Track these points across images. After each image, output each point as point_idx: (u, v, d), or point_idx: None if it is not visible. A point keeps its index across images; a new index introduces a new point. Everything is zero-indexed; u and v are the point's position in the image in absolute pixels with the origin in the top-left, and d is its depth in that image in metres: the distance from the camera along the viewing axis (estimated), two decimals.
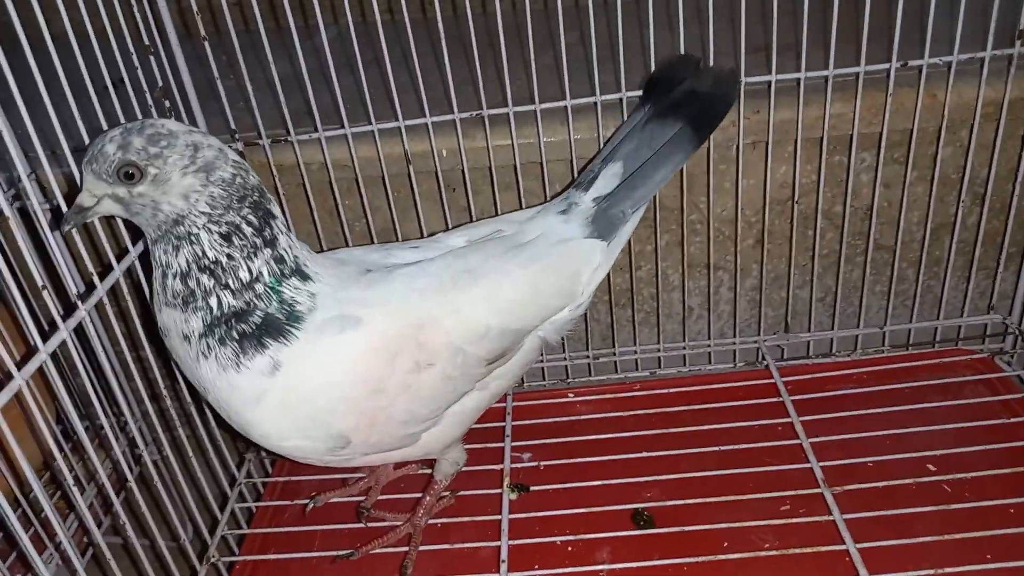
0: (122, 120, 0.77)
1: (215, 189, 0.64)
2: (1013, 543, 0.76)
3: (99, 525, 1.00)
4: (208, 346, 0.66)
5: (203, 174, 0.64)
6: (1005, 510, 0.80)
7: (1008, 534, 0.77)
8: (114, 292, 0.75)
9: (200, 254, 0.65)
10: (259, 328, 0.66)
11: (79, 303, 0.69)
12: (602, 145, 0.95)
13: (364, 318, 0.69)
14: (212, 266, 0.65)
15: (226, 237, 0.65)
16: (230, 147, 0.95)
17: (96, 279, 0.72)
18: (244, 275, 0.66)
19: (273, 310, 0.67)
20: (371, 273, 0.74)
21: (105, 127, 0.67)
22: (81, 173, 0.65)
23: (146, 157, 0.62)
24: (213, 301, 0.66)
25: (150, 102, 0.82)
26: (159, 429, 0.83)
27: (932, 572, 0.74)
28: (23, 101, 0.62)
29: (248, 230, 0.66)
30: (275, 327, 0.67)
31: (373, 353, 0.69)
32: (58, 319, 0.67)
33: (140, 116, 0.81)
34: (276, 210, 0.69)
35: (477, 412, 0.81)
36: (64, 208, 0.68)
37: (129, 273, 0.77)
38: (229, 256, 0.65)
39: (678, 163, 0.81)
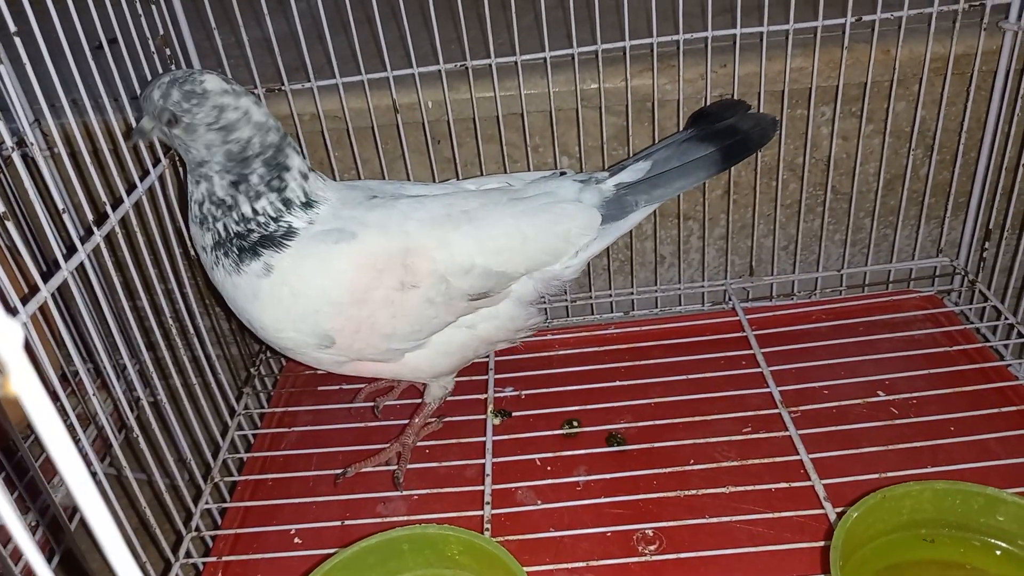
0: (129, 69, 0.82)
1: (232, 147, 0.75)
2: (950, 452, 0.84)
3: (103, 459, 1.06)
4: (217, 257, 0.78)
5: (223, 133, 0.75)
6: (945, 425, 0.88)
7: (945, 444, 0.85)
8: (111, 242, 0.80)
9: (212, 191, 0.77)
10: (256, 243, 0.77)
11: (79, 245, 0.73)
12: (579, 104, 1.01)
13: (358, 233, 0.77)
14: (219, 202, 0.77)
15: (235, 184, 0.77)
16: None
17: (94, 227, 0.77)
18: (247, 212, 0.77)
19: (271, 231, 0.77)
20: (376, 199, 0.81)
21: (101, 79, 0.76)
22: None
23: (180, 110, 0.74)
24: (219, 226, 0.77)
25: (152, 48, 0.86)
26: (155, 377, 0.88)
27: (877, 476, 0.82)
28: (27, 55, 0.66)
29: (254, 179, 0.77)
30: (271, 241, 0.77)
31: (360, 265, 0.77)
32: (60, 260, 0.70)
33: (144, 65, 0.86)
34: (293, 161, 0.79)
35: (466, 350, 0.87)
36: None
37: (124, 223, 0.81)
38: (233, 197, 0.77)
39: (699, 179, 0.89)
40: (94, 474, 0.76)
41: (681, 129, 0.94)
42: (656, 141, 0.99)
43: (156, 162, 0.89)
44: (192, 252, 0.87)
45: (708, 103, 1.02)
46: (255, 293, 0.77)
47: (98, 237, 0.75)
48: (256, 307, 0.78)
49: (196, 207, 0.79)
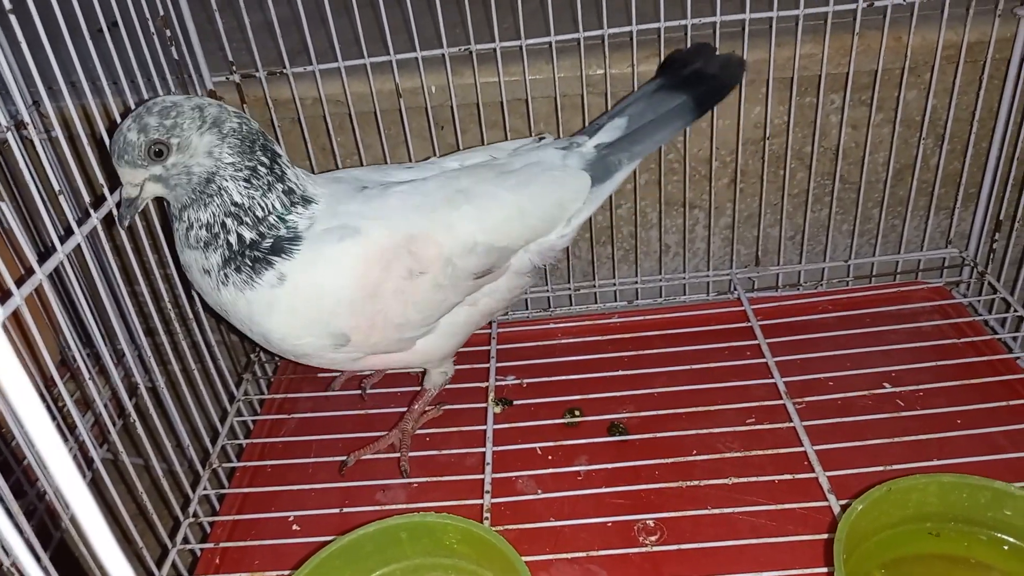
0: (130, 55, 0.81)
1: (232, 139, 0.72)
2: (957, 445, 0.83)
3: (102, 444, 1.06)
4: (226, 275, 0.74)
5: (216, 129, 0.71)
6: (951, 418, 0.86)
7: (952, 436, 0.83)
8: (108, 226, 0.79)
9: (229, 202, 0.73)
10: (268, 251, 0.74)
11: (76, 227, 0.72)
12: (585, 90, 1.00)
13: (362, 228, 0.76)
14: (236, 209, 0.73)
15: (248, 180, 0.73)
16: (227, 79, 1.00)
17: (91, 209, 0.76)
18: (260, 212, 0.74)
19: (281, 233, 0.74)
20: (368, 190, 0.80)
21: (100, 62, 0.74)
22: (114, 171, 0.71)
23: (165, 131, 0.69)
24: (233, 238, 0.73)
25: (152, 30, 0.85)
26: (153, 363, 0.87)
27: (882, 469, 0.80)
28: (25, 40, 0.65)
29: (263, 170, 0.74)
30: (280, 247, 0.74)
31: (369, 260, 0.75)
32: (56, 243, 0.69)
33: (144, 48, 0.85)
34: (279, 148, 0.76)
35: (469, 327, 0.87)
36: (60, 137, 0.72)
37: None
38: (250, 197, 0.73)
39: (677, 128, 0.89)
40: (90, 461, 0.75)
41: (649, 81, 0.93)
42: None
43: None
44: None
45: None
46: (271, 305, 0.74)
47: (95, 220, 0.74)
48: (273, 320, 0.75)
49: (202, 232, 0.73)
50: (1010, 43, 0.99)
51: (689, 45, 0.94)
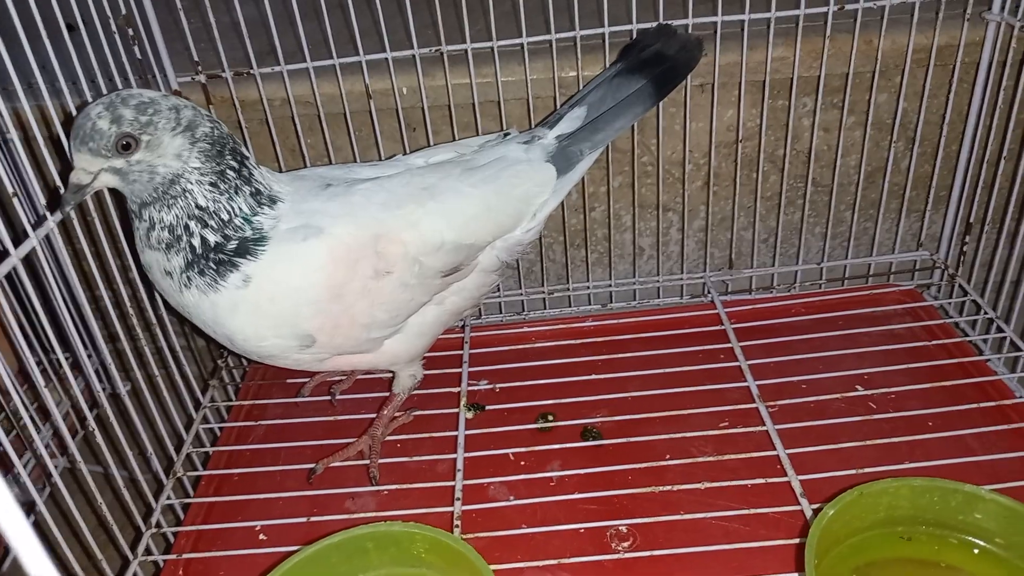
0: (90, 55, 0.79)
1: (202, 144, 0.70)
2: (928, 448, 0.83)
3: (63, 453, 1.03)
4: (189, 278, 0.72)
5: (188, 133, 0.69)
6: (923, 420, 0.86)
7: (923, 439, 0.83)
8: (67, 230, 0.77)
9: (193, 205, 0.71)
10: (233, 253, 0.72)
11: (31, 231, 0.70)
12: (557, 92, 1.00)
13: (326, 227, 0.74)
14: (200, 213, 0.71)
15: (214, 185, 0.71)
16: (192, 79, 0.98)
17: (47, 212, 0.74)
18: (225, 215, 0.72)
19: (247, 235, 0.73)
20: (332, 187, 0.78)
21: (64, 61, 0.71)
22: (71, 153, 0.68)
23: (139, 126, 0.67)
24: (196, 241, 0.71)
25: (114, 28, 0.83)
26: (114, 369, 0.85)
27: (854, 472, 0.80)
28: None
29: (231, 174, 0.72)
30: (245, 248, 0.72)
31: (334, 260, 0.74)
32: (9, 246, 0.67)
33: (105, 47, 0.83)
34: (246, 150, 0.75)
35: (437, 327, 0.86)
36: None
37: (80, 206, 0.78)
38: (215, 201, 0.71)
39: (637, 114, 0.88)
40: (49, 475, 0.73)
41: (610, 65, 0.92)
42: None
43: None
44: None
45: (688, 94, 1.01)
46: (235, 306, 0.73)
47: (51, 223, 0.72)
48: (236, 321, 0.73)
49: (164, 233, 0.71)
50: (979, 47, 1.00)
51: (655, 24, 0.93)
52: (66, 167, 0.70)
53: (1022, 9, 0.94)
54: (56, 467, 0.74)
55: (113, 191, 0.72)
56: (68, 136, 0.69)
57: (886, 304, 1.06)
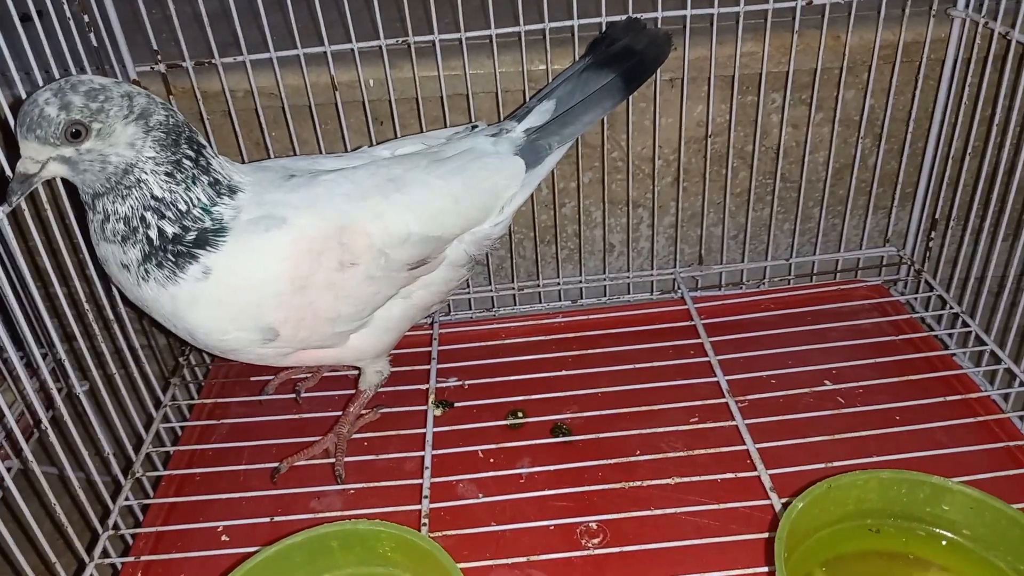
0: (43, 43, 0.76)
1: (157, 132, 0.68)
2: (896, 441, 0.83)
3: (17, 455, 1.00)
4: (146, 271, 0.70)
5: (142, 121, 0.67)
6: (891, 414, 0.87)
7: (891, 433, 0.84)
8: (18, 223, 0.74)
9: (148, 196, 0.68)
10: (192, 244, 0.70)
11: None
12: (527, 85, 0.99)
13: (289, 218, 0.72)
14: (156, 203, 0.69)
15: (170, 175, 0.69)
16: (152, 69, 0.96)
17: None
18: (183, 205, 0.70)
19: (206, 225, 0.71)
20: (295, 178, 0.77)
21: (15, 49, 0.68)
22: (16, 141, 0.65)
23: (89, 114, 0.64)
24: (153, 233, 0.69)
25: (68, 14, 0.80)
26: (70, 368, 0.82)
27: (823, 466, 0.80)
28: None
29: (187, 163, 0.70)
30: (205, 239, 0.70)
31: (298, 251, 0.72)
32: None
33: (59, 34, 0.80)
34: (201, 138, 0.72)
35: (404, 321, 0.84)
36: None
37: (33, 200, 0.75)
38: (172, 191, 0.69)
39: (606, 109, 0.87)
40: (0, 479, 0.70)
41: (579, 59, 0.92)
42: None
43: None
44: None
45: (658, 89, 1.00)
46: (195, 299, 0.71)
47: (0, 214, 0.69)
48: (196, 314, 0.71)
49: (119, 225, 0.69)
50: (944, 43, 1.01)
51: (625, 17, 0.93)
52: (15, 156, 0.67)
53: (987, 6, 0.95)
54: (9, 469, 0.71)
55: (67, 181, 0.70)
56: (15, 123, 0.66)
57: (854, 300, 1.07)
